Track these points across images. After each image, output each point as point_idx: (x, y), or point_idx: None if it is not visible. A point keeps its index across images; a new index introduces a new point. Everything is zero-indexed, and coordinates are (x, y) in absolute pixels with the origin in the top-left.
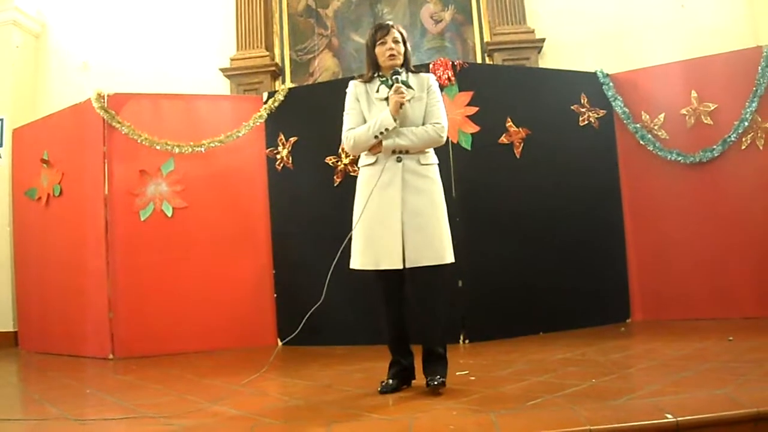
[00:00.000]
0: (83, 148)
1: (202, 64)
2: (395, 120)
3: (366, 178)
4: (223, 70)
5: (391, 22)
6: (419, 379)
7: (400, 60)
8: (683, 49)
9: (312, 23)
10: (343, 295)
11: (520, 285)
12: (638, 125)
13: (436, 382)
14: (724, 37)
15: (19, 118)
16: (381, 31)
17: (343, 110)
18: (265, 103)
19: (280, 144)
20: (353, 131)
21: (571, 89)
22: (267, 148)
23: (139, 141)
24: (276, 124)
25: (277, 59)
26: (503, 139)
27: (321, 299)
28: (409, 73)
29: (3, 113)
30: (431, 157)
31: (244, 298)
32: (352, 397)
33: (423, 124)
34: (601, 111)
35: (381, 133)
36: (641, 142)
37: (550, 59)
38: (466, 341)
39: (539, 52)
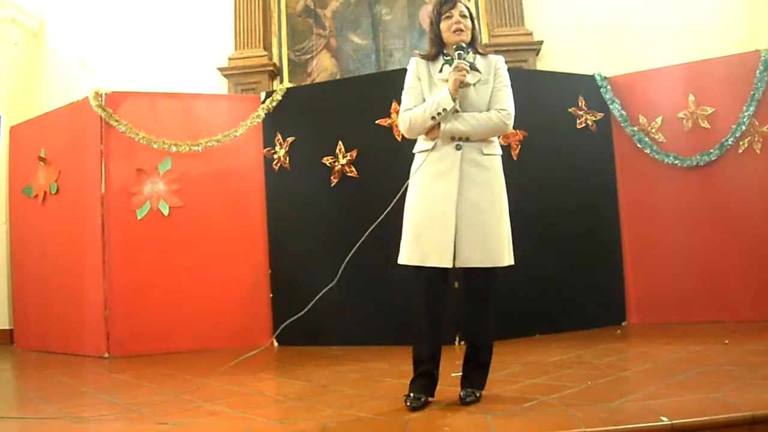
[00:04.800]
0: (80, 146)
1: (200, 63)
2: (454, 100)
3: (420, 166)
4: (221, 69)
5: None
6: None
7: (467, 36)
8: (681, 53)
9: (310, 23)
10: (340, 295)
11: (516, 287)
12: (635, 128)
13: (468, 399)
14: (722, 40)
15: (16, 115)
16: (447, 4)
17: (340, 111)
18: (263, 102)
19: (278, 144)
20: (409, 112)
21: (569, 92)
22: (264, 147)
23: (136, 139)
24: (273, 124)
25: (275, 59)
26: (500, 141)
27: (335, 281)
28: (477, 55)
29: (0, 111)
30: (495, 147)
31: (240, 297)
32: (347, 398)
33: (488, 110)
34: (599, 114)
35: (438, 114)
36: (638, 145)
37: (547, 61)
38: (462, 342)
39: (537, 54)
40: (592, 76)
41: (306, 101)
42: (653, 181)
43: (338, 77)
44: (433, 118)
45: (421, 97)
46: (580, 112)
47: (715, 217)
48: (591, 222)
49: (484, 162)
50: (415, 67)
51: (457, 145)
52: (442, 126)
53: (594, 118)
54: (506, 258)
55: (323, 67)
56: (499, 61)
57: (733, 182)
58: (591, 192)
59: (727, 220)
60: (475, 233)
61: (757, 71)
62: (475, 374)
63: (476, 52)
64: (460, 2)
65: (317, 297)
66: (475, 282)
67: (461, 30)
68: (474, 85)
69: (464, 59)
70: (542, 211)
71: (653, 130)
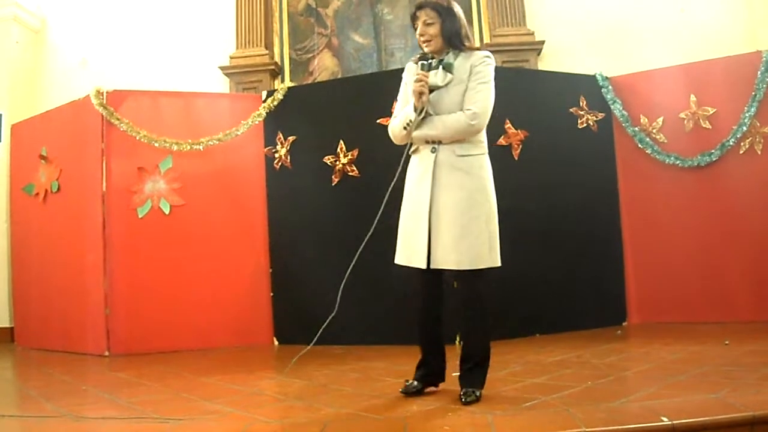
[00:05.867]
0: (81, 145)
1: (201, 61)
2: (417, 111)
3: (408, 169)
4: (222, 68)
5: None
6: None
7: (435, 45)
8: (682, 53)
9: (312, 22)
10: (341, 295)
11: (517, 287)
12: (637, 128)
13: (468, 399)
14: (724, 41)
15: (17, 113)
16: (412, 14)
17: (341, 110)
18: (264, 101)
19: (279, 143)
20: (393, 120)
21: (570, 92)
22: (265, 146)
23: (137, 138)
24: (275, 123)
25: (277, 58)
26: (502, 141)
27: (335, 309)
28: (460, 53)
29: (2, 109)
30: (473, 147)
31: (241, 296)
32: (347, 397)
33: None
34: (600, 114)
35: (407, 125)
36: (640, 145)
37: (549, 61)
38: (462, 342)
39: (539, 54)
40: (594, 77)
41: (307, 100)
42: (654, 182)
43: (339, 76)
44: (404, 128)
45: (407, 103)
46: (582, 112)
47: (716, 217)
48: (592, 222)
49: (458, 164)
50: (406, 73)
51: (432, 148)
52: (413, 132)
53: (595, 119)
54: (486, 260)
55: (324, 66)
56: (478, 59)
57: (734, 183)
58: (592, 192)
59: (727, 220)
60: (447, 236)
61: (759, 72)
62: (473, 373)
63: (460, 48)
64: (423, 9)
65: (323, 326)
66: (462, 283)
67: (426, 41)
68: (446, 86)
69: (427, 69)
70: (543, 210)
71: (654, 131)
